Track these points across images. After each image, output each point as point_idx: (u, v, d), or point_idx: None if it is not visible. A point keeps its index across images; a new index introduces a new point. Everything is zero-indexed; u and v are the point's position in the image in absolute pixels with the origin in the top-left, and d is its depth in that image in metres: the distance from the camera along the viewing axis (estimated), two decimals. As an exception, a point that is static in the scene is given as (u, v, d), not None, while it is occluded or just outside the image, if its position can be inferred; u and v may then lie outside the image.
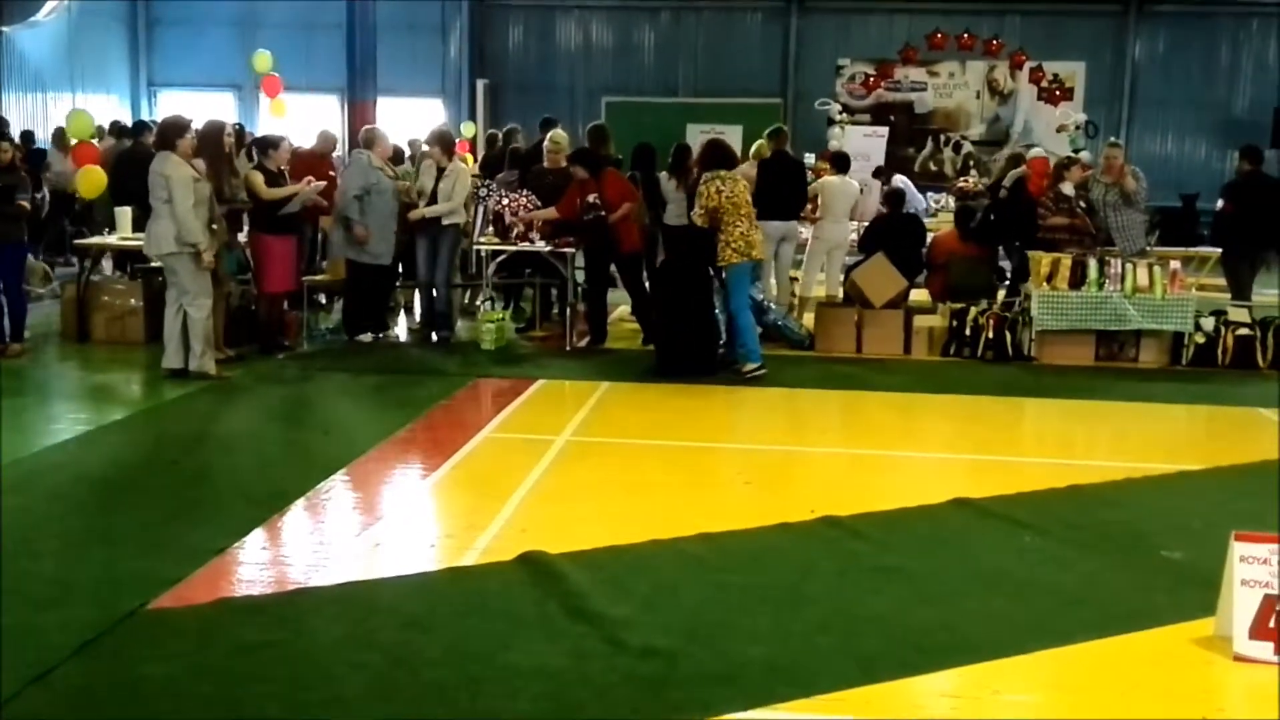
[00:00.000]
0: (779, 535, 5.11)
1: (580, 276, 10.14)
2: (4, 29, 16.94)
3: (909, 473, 6.47)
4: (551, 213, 9.61)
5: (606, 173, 9.71)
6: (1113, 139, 12.39)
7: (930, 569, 4.73)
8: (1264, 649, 3.88)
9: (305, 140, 11.61)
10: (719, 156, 8.79)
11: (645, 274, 10.02)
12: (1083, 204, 10.46)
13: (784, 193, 10.17)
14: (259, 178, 8.83)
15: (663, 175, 10.29)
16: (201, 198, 7.91)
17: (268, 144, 9.31)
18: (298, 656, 3.83)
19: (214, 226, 8.08)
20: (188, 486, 5.73)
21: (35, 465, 6.05)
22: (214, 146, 8.47)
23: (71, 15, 19.07)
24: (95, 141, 12.32)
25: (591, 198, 9.47)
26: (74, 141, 12.00)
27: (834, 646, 3.97)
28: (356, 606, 4.26)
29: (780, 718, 3.53)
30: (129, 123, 14.75)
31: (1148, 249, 10.31)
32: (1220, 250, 11.67)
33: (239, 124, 12.05)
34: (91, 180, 10.71)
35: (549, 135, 10.74)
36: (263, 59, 14.16)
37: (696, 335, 8.65)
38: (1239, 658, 3.90)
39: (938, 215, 14.61)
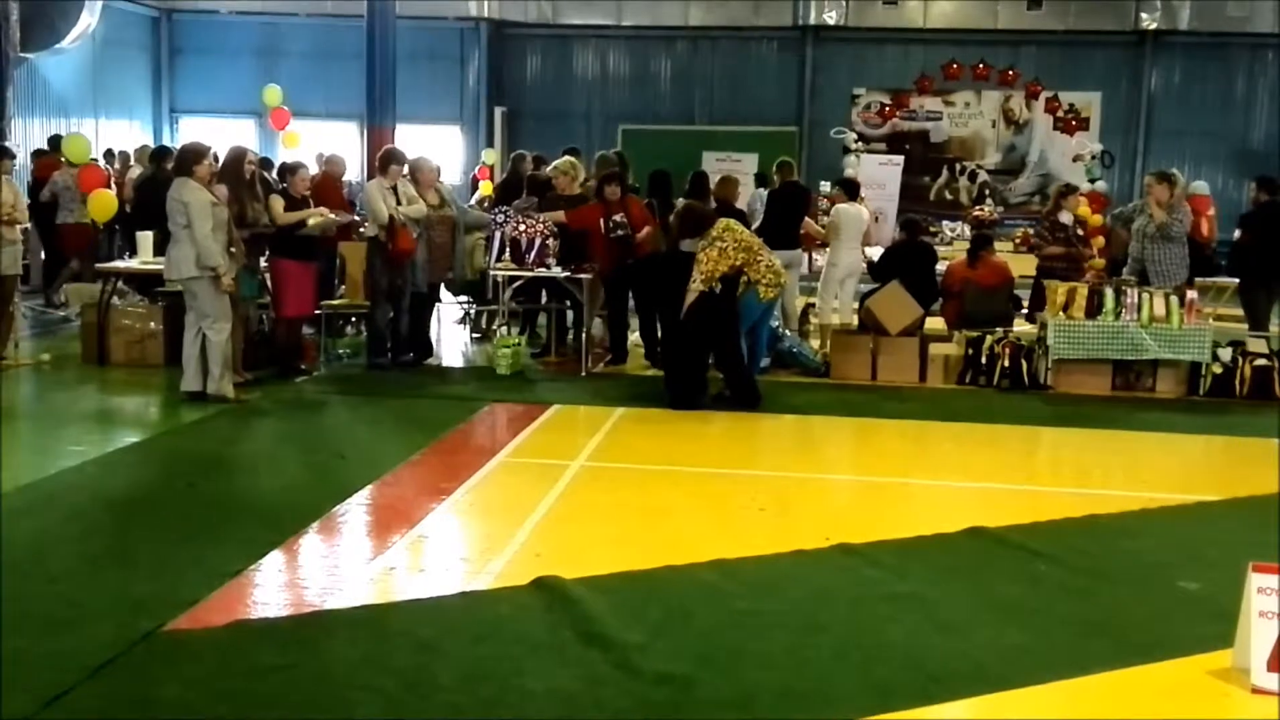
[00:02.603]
0: (793, 562, 5.11)
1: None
2: (29, 55, 17.15)
3: (924, 501, 6.46)
4: (560, 215, 9.75)
5: (630, 198, 9.92)
6: (1164, 169, 11.96)
7: (945, 598, 4.71)
8: (1282, 681, 3.86)
9: (315, 166, 11.72)
10: (696, 221, 8.64)
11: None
12: (1080, 231, 10.44)
13: (789, 222, 10.27)
14: (279, 203, 8.92)
15: (679, 203, 10.34)
16: (220, 222, 7.99)
17: (287, 170, 9.44)
18: (313, 680, 3.84)
19: (232, 250, 8.16)
20: (205, 509, 5.76)
21: (53, 487, 6.10)
22: (235, 172, 8.57)
23: (95, 43, 19.30)
24: (117, 167, 12.45)
25: (619, 217, 9.59)
26: (69, 163, 12.16)
27: (848, 674, 3.96)
28: (371, 630, 4.27)
29: (794, 745, 3.52)
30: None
31: (1184, 282, 10.12)
32: (1237, 280, 11.63)
33: (262, 156, 12.16)
34: (101, 204, 10.80)
35: (555, 163, 10.85)
36: (272, 93, 14.32)
37: (734, 368, 8.57)
38: (1257, 690, 3.87)
39: (953, 244, 14.61)
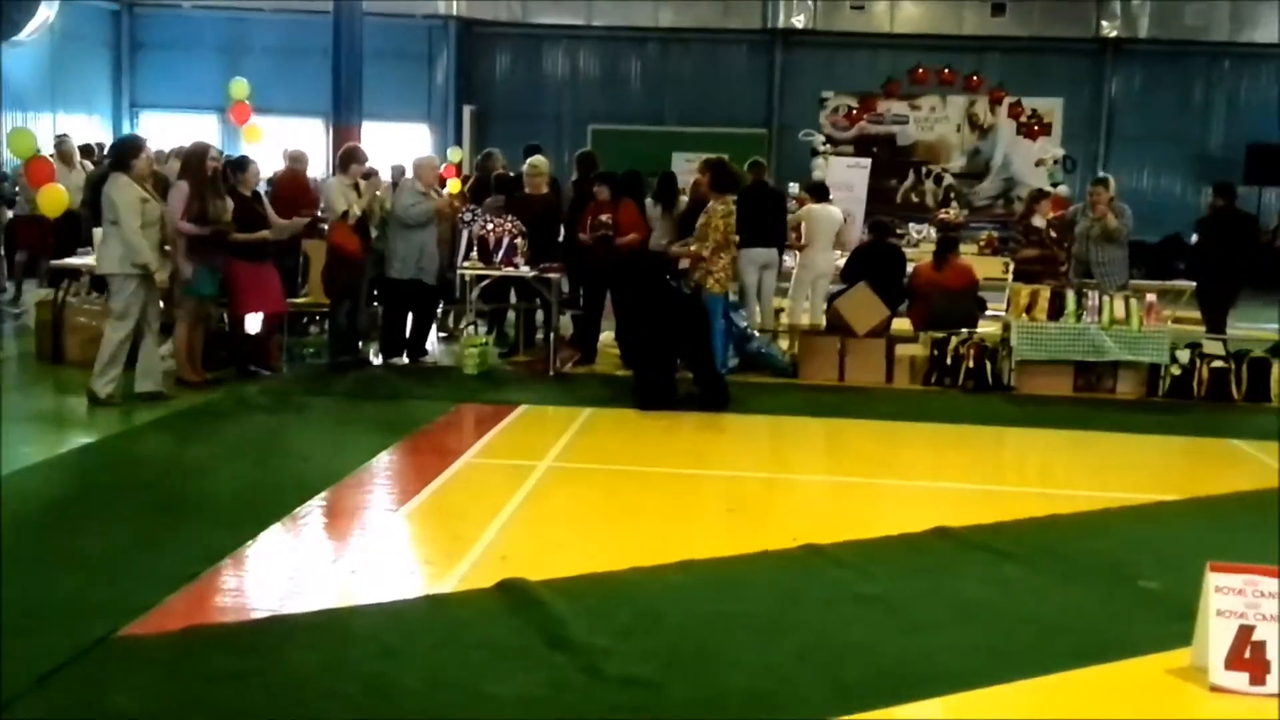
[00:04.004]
0: (760, 563, 5.10)
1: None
2: (-14, 49, 16.90)
3: (891, 501, 6.48)
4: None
5: (625, 202, 9.82)
6: (1102, 174, 12.49)
7: (911, 598, 4.73)
8: (1239, 679, 3.89)
9: (277, 163, 11.65)
10: (730, 179, 8.85)
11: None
12: (1053, 233, 10.60)
13: (765, 220, 10.23)
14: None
15: (647, 202, 10.35)
16: (151, 219, 7.79)
17: (236, 167, 9.20)
18: (271, 687, 3.77)
19: (166, 248, 7.98)
20: (160, 511, 5.66)
21: (4, 490, 5.96)
22: (197, 169, 8.45)
23: (54, 36, 19.05)
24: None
25: (604, 217, 9.58)
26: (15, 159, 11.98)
27: (814, 676, 3.95)
28: (332, 635, 4.21)
29: (759, 747, 3.52)
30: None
31: (1127, 285, 10.39)
32: (1195, 284, 11.79)
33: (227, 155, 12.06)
34: (51, 198, 10.63)
35: (528, 161, 10.78)
36: (239, 86, 14.18)
37: (705, 368, 8.56)
38: (1215, 688, 3.90)
39: (919, 246, 14.70)
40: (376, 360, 9.98)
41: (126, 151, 8.00)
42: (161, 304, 8.30)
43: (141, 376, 8.00)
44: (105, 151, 14.59)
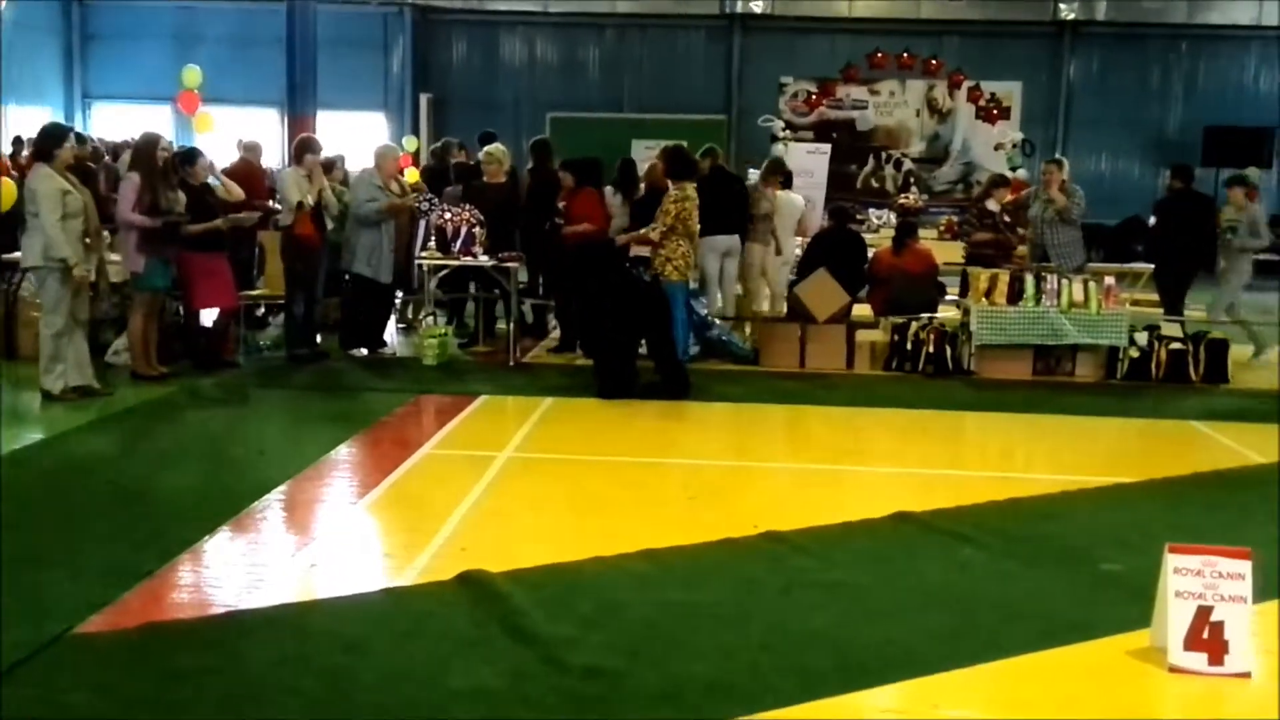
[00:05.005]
0: (722, 551, 5.10)
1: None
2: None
3: (852, 487, 6.50)
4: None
5: (583, 190, 9.72)
6: (1057, 156, 12.61)
7: (872, 584, 4.74)
8: (1198, 660, 3.93)
9: (231, 153, 11.49)
10: (687, 166, 8.81)
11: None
12: (1007, 218, 10.68)
13: (725, 207, 10.17)
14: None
15: (609, 188, 10.30)
16: (73, 211, 7.60)
17: (185, 159, 9.03)
18: (230, 683, 3.73)
19: (87, 240, 7.78)
20: (117, 507, 5.58)
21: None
22: (148, 159, 8.31)
23: (3, 26, 18.67)
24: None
25: (561, 204, 9.54)
26: None
27: (776, 663, 3.95)
28: (291, 629, 4.16)
29: (722, 736, 3.50)
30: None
31: (1084, 266, 10.49)
32: (1153, 266, 11.90)
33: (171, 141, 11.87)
34: (3, 193, 10.41)
35: (485, 150, 10.69)
36: (191, 74, 13.95)
37: (667, 357, 8.53)
38: (1174, 669, 3.93)
39: (879, 232, 14.75)
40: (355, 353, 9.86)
41: (49, 141, 7.74)
42: (116, 297, 8.17)
43: (71, 370, 7.84)
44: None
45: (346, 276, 9.86)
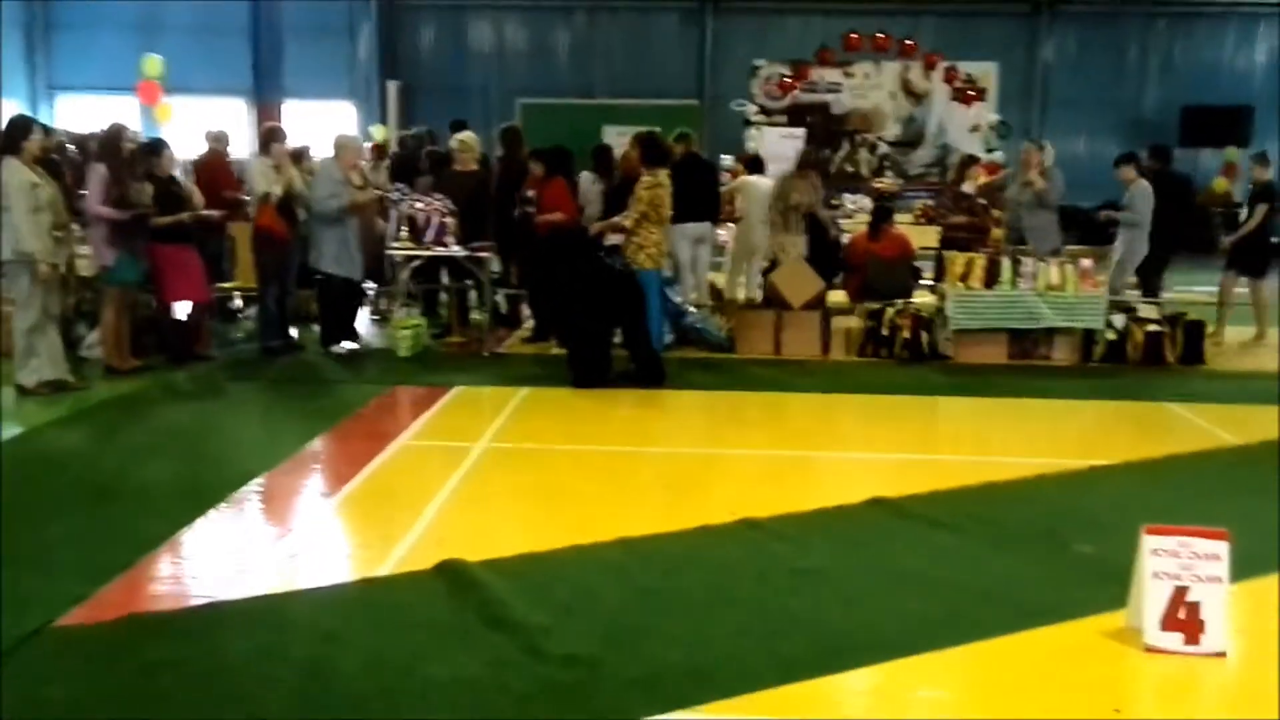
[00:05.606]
0: (699, 538, 5.10)
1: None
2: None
3: (827, 473, 6.51)
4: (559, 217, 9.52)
5: (554, 179, 9.63)
6: (1036, 139, 12.62)
7: (848, 569, 4.75)
8: (1174, 640, 3.97)
9: (197, 144, 11.37)
10: (660, 152, 8.78)
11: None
12: (982, 201, 10.69)
13: (698, 194, 10.15)
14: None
15: (586, 175, 10.26)
16: (42, 204, 7.51)
17: (150, 151, 8.87)
18: (209, 674, 3.72)
19: (58, 234, 7.70)
20: (94, 501, 5.55)
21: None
22: (113, 150, 8.21)
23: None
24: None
25: (530, 193, 9.48)
26: None
27: (753, 649, 3.96)
28: (269, 621, 4.16)
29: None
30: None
31: (1060, 249, 10.51)
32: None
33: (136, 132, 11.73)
34: None
35: (456, 138, 10.61)
36: (152, 64, 13.75)
37: (642, 346, 8.50)
38: (1150, 649, 3.97)
39: (854, 217, 14.75)
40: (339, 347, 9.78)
41: (16, 133, 7.62)
42: (89, 292, 8.07)
43: (45, 365, 7.78)
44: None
45: (316, 275, 9.74)
